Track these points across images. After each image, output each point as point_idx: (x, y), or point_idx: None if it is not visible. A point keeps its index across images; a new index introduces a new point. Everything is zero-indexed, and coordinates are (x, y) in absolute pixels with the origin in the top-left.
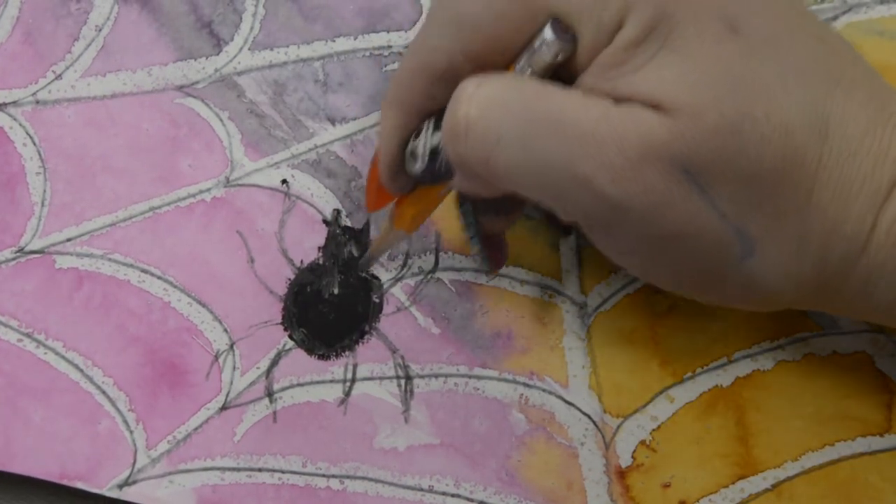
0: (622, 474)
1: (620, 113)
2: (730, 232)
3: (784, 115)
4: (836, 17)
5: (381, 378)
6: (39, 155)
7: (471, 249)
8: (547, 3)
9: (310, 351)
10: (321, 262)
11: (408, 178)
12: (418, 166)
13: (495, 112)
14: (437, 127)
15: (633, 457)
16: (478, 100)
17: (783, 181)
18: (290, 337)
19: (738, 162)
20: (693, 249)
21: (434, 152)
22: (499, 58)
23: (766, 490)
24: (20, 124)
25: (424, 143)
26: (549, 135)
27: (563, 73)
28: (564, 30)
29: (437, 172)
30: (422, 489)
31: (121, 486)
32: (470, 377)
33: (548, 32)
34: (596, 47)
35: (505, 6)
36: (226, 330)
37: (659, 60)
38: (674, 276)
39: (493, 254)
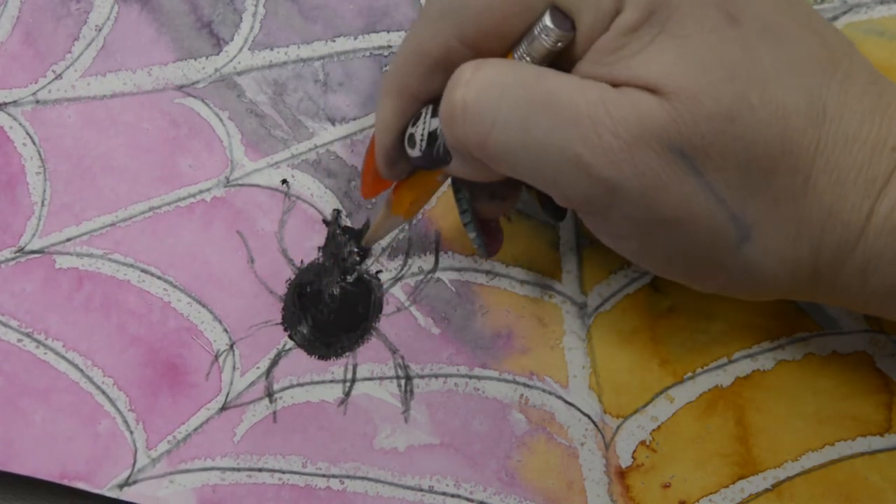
0: (622, 474)
1: (617, 95)
2: (726, 217)
3: (780, 102)
4: (836, 17)
5: (381, 378)
6: (39, 155)
7: (467, 234)
8: None
9: (310, 351)
10: (321, 261)
11: (405, 165)
12: (416, 151)
13: (492, 94)
14: (435, 113)
15: (633, 457)
16: (475, 82)
17: (780, 166)
18: (290, 337)
19: (735, 147)
20: (689, 234)
21: (432, 137)
22: (496, 45)
23: (766, 490)
24: (20, 124)
25: (423, 128)
26: (546, 117)
27: (561, 61)
28: (563, 17)
29: (435, 157)
30: (422, 489)
31: (121, 487)
32: (470, 377)
33: (547, 20)
34: (594, 34)
35: None
36: (226, 330)
37: (657, 46)
38: (670, 261)
39: (488, 239)
